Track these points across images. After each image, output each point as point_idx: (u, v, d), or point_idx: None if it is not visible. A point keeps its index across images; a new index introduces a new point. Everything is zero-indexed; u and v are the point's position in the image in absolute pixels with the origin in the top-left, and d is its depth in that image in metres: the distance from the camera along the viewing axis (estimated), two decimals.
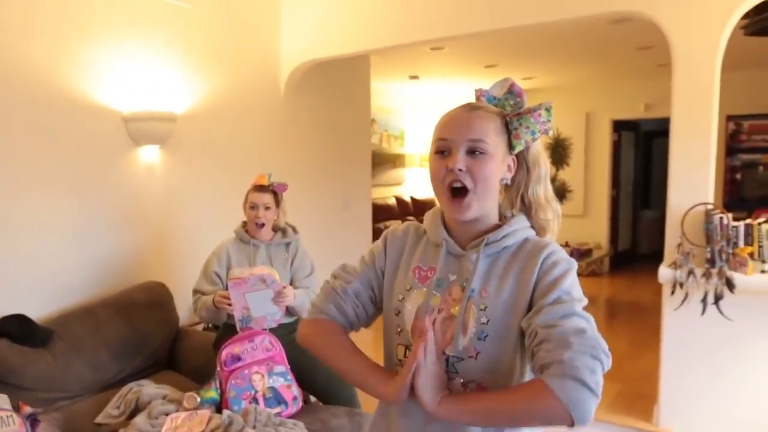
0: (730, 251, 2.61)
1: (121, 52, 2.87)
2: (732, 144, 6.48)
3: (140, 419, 2.11)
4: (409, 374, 0.98)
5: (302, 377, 2.40)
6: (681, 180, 2.72)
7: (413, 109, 7.58)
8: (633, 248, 7.97)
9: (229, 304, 2.33)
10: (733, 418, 2.72)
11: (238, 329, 2.34)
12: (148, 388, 2.37)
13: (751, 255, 2.60)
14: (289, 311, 2.43)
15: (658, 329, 2.89)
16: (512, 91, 1.08)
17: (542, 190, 1.11)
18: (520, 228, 1.07)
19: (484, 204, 1.05)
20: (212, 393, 2.24)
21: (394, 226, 1.23)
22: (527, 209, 1.11)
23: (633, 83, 6.90)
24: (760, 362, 2.67)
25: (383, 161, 7.05)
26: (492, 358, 1.01)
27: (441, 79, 6.52)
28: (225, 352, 2.27)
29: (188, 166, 3.26)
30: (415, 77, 6.48)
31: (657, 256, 3.00)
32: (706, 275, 2.60)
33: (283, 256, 2.57)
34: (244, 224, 2.60)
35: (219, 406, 2.22)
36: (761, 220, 2.66)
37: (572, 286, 1.00)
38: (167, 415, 2.14)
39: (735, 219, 2.65)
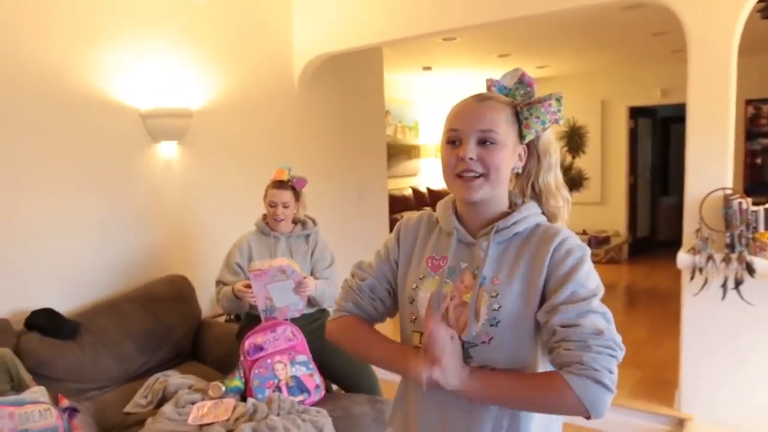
0: (750, 236, 2.59)
1: (136, 50, 2.92)
2: (752, 128, 6.38)
3: (168, 408, 2.17)
4: (437, 351, 0.98)
5: (324, 366, 2.44)
6: (699, 165, 2.69)
7: (427, 100, 7.57)
8: (652, 235, 7.89)
9: (251, 294, 2.38)
10: (755, 402, 2.70)
11: (262, 319, 2.39)
12: (174, 378, 2.44)
13: None
14: (310, 302, 2.47)
15: (677, 316, 2.88)
16: (522, 81, 1.09)
17: (552, 178, 1.12)
18: (530, 214, 1.09)
19: (494, 189, 1.07)
20: (237, 382, 2.29)
21: (408, 215, 1.26)
22: (538, 197, 1.13)
23: (648, 69, 6.80)
24: None
25: (398, 152, 7.06)
26: (505, 343, 1.03)
27: (454, 69, 6.49)
28: (248, 342, 2.31)
29: (205, 161, 3.31)
30: (428, 68, 6.46)
31: (676, 243, 2.98)
32: (726, 260, 2.58)
33: (303, 247, 2.60)
34: (265, 216, 2.63)
35: (243, 395, 2.27)
36: None
37: (587, 276, 1.01)
38: (193, 403, 2.20)
39: (755, 203, 2.63)
